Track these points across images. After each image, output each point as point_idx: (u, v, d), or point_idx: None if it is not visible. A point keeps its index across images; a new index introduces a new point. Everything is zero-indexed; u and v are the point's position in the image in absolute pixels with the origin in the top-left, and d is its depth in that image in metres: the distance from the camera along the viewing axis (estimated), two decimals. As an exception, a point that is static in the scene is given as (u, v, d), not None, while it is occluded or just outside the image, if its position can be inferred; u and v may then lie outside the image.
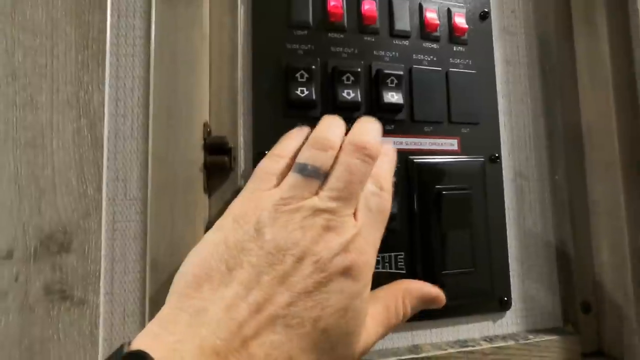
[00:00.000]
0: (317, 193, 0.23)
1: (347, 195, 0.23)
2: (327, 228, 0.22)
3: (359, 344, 0.23)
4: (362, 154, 0.24)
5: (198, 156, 0.25)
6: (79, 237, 0.37)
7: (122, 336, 0.28)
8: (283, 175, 0.24)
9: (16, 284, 0.36)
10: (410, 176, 0.34)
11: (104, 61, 0.29)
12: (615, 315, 0.35)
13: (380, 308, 0.25)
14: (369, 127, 0.26)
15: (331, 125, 0.25)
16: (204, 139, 0.25)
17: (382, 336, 0.25)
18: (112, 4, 0.29)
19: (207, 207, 0.26)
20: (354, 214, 0.23)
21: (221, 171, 0.26)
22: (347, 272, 0.21)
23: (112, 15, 0.29)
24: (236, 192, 0.26)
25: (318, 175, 0.23)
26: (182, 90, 0.25)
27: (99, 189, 0.28)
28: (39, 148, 0.37)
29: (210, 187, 0.26)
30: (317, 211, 0.22)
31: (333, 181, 0.23)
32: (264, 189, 0.23)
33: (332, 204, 0.23)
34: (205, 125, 0.25)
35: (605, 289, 0.35)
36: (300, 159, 0.24)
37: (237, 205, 0.23)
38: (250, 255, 0.21)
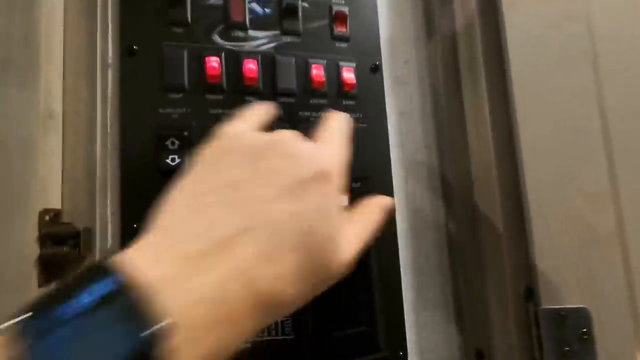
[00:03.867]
0: None
1: None
2: (306, 142, 0.24)
3: (339, 253, 0.22)
4: None
5: (31, 250, 0.23)
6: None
7: None
8: None
9: None
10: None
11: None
12: (504, 363, 0.35)
13: (355, 223, 0.25)
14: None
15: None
16: (39, 230, 0.23)
17: (361, 249, 0.24)
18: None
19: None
20: None
21: (63, 262, 0.24)
22: (323, 175, 0.22)
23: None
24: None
25: None
26: (15, 180, 0.23)
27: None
28: None
29: (50, 281, 0.24)
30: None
31: None
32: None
33: None
34: (42, 213, 0.24)
35: (494, 337, 0.36)
36: None
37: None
38: (231, 161, 0.21)
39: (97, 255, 0.27)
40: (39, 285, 0.24)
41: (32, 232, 0.23)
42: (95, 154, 0.27)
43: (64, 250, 0.23)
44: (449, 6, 0.40)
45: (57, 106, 0.26)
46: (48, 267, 0.24)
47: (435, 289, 0.38)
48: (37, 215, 0.23)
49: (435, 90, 0.40)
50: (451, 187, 0.39)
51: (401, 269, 0.37)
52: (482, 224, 0.37)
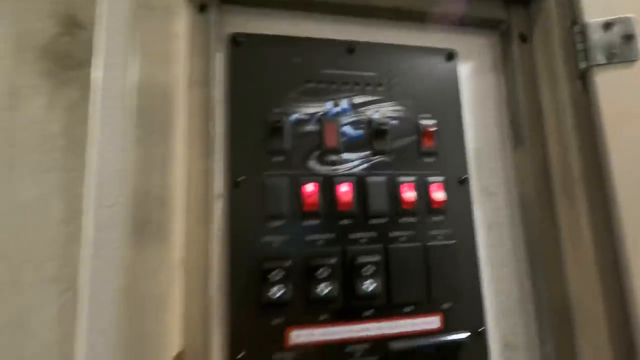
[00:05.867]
0: None
1: None
2: None
3: None
4: None
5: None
6: None
7: None
8: None
9: None
10: (391, 364, 0.33)
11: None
12: None
13: None
14: None
15: None
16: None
17: None
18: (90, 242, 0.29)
19: None
20: None
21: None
22: None
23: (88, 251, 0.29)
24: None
25: None
26: (150, 329, 0.26)
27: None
28: (24, 332, 0.37)
29: None
30: None
31: None
32: None
33: None
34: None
35: None
36: None
37: None
38: None
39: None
40: None
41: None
42: (209, 289, 0.29)
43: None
44: (538, 115, 0.39)
45: (182, 254, 0.29)
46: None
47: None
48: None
49: (523, 201, 0.39)
50: (544, 304, 0.37)
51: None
52: (585, 355, 0.35)
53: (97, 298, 0.27)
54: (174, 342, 0.27)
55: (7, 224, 0.40)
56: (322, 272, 0.33)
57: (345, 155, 0.36)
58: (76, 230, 0.37)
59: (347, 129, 0.37)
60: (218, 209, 0.32)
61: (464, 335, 0.35)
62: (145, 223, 0.27)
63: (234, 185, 0.33)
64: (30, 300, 0.39)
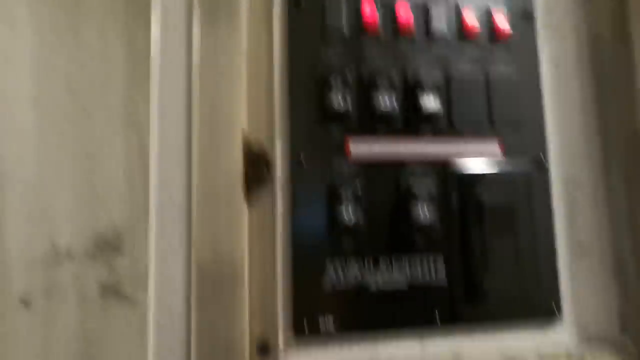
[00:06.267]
0: None
1: None
2: None
3: None
4: None
5: (238, 167, 0.26)
6: (130, 240, 0.40)
7: (169, 334, 0.29)
8: None
9: (73, 281, 0.39)
10: (451, 187, 0.33)
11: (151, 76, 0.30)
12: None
13: None
14: None
15: None
16: (244, 151, 0.26)
17: None
18: (159, 20, 0.30)
19: (247, 215, 0.27)
20: None
21: (259, 181, 0.27)
22: None
23: (156, 30, 0.30)
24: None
25: None
26: (223, 103, 0.26)
27: (147, 197, 0.30)
28: (94, 159, 0.40)
29: (248, 197, 0.27)
30: None
31: None
32: None
33: None
34: (244, 136, 0.27)
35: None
36: None
37: None
38: None
39: (277, 180, 0.30)
40: (244, 199, 0.26)
41: (236, 152, 0.26)
42: (273, 90, 0.30)
43: (263, 171, 0.26)
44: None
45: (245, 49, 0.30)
46: (250, 183, 0.27)
47: (593, 248, 0.35)
48: (238, 138, 0.26)
49: (595, 38, 0.37)
50: (612, 138, 0.36)
51: (555, 228, 0.35)
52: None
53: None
54: (242, 123, 0.28)
55: (76, 66, 0.42)
56: (383, 88, 0.33)
57: (406, -21, 0.35)
58: (143, 69, 0.38)
59: (409, -46, 0.35)
60: (277, 17, 0.32)
61: (524, 165, 0.35)
62: (211, 18, 0.27)
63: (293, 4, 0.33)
64: (100, 132, 0.41)
